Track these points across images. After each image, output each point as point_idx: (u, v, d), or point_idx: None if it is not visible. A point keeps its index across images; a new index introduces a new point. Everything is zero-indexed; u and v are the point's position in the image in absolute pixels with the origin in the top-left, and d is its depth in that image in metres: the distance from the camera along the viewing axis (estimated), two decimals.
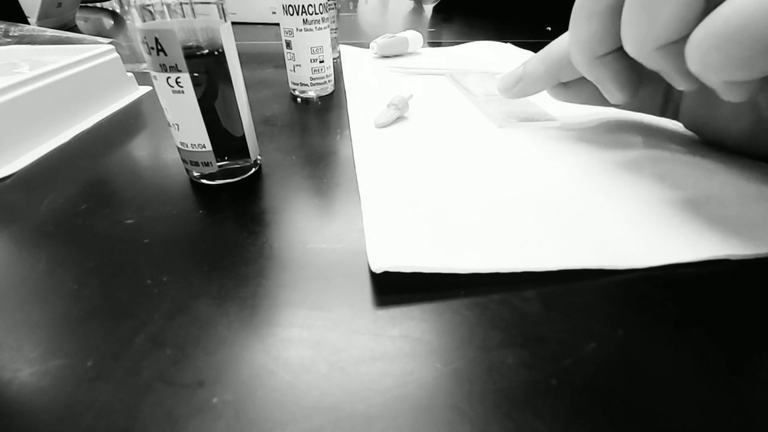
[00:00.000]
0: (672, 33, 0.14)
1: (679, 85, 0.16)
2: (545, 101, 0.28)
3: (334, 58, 0.43)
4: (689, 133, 0.23)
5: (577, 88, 0.23)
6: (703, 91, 0.20)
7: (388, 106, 0.27)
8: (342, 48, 0.49)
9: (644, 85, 0.20)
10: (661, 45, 0.14)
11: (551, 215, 0.17)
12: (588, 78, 0.20)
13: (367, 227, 0.16)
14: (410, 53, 0.47)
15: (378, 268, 0.14)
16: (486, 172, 0.21)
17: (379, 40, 0.45)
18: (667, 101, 0.23)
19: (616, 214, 0.17)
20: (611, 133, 0.24)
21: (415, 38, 0.46)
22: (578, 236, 0.16)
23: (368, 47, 0.47)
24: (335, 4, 0.43)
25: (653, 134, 0.24)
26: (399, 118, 0.28)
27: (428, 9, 0.96)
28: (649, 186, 0.19)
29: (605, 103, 0.23)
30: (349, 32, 0.67)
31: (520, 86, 0.24)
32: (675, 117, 0.23)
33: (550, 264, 0.14)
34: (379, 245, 0.15)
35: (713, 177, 0.19)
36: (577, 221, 0.17)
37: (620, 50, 0.19)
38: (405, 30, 0.47)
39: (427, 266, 0.14)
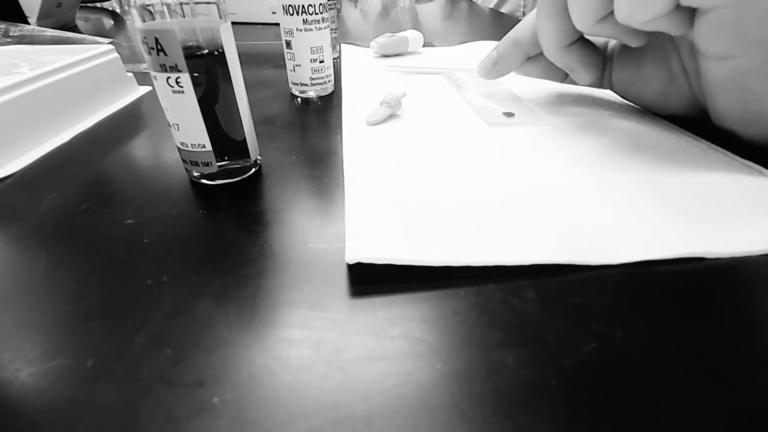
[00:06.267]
0: (600, 10, 0.19)
1: (631, 42, 0.22)
2: (531, 89, 0.32)
3: (334, 58, 0.43)
4: (676, 132, 0.24)
5: (536, 64, 0.28)
6: (628, 58, 0.26)
7: (381, 104, 0.27)
8: (343, 47, 0.49)
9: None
10: (598, 20, 0.20)
11: (531, 211, 0.17)
12: (559, 65, 0.25)
13: (348, 220, 0.16)
14: (410, 52, 0.47)
15: (351, 259, 0.14)
16: (472, 169, 0.21)
17: (379, 39, 0.45)
18: (603, 74, 0.27)
19: (596, 211, 0.17)
20: (599, 134, 0.24)
21: (415, 37, 0.46)
22: (555, 232, 0.16)
23: (369, 47, 0.47)
24: (335, 4, 0.43)
25: (641, 135, 0.24)
26: (391, 116, 0.28)
27: (425, 8, 0.96)
28: (633, 185, 0.19)
29: (559, 78, 0.29)
30: (350, 32, 0.67)
31: (498, 67, 0.28)
32: (610, 87, 0.28)
33: (520, 258, 0.14)
34: (356, 237, 0.15)
35: (698, 177, 0.19)
36: (557, 218, 0.17)
37: (581, 39, 0.24)
38: (406, 29, 0.47)
39: (400, 258, 0.14)
